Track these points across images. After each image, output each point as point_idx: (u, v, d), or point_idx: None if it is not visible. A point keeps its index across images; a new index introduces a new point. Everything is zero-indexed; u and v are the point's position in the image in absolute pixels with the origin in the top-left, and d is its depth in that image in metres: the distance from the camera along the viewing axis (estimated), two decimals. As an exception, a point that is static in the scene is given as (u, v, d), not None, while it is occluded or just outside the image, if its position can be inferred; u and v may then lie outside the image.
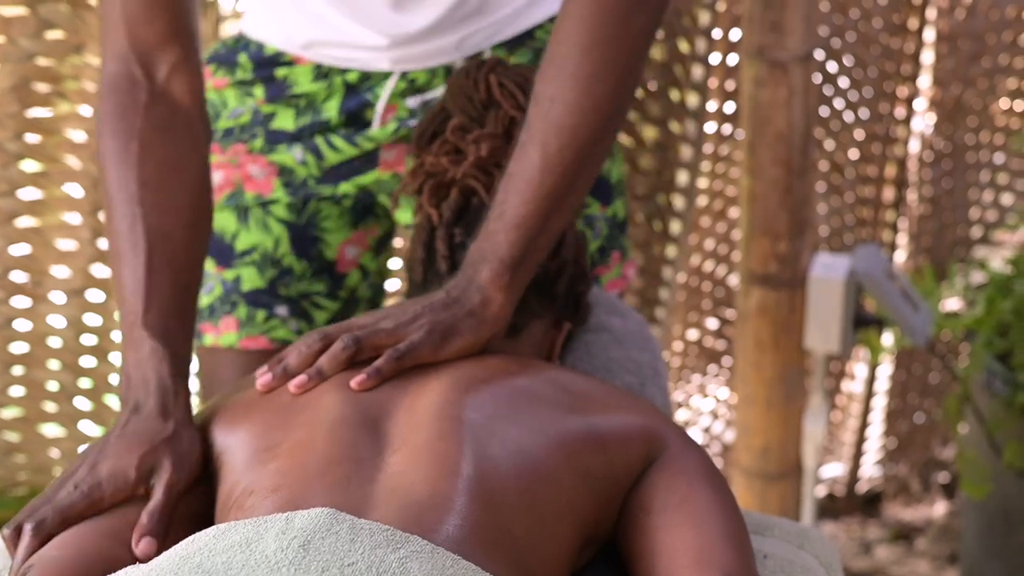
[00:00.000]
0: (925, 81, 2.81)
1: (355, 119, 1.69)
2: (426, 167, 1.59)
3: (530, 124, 1.44)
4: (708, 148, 2.55)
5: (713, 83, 2.43)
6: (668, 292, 2.40)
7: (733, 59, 2.44)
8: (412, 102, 1.68)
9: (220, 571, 1.01)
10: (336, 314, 1.75)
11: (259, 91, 1.70)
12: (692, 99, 2.25)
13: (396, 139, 1.70)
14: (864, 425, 3.10)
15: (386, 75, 1.67)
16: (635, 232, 2.32)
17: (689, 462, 1.32)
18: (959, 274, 2.77)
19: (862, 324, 2.40)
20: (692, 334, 2.81)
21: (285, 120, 1.70)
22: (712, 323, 2.82)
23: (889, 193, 2.86)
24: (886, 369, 3.05)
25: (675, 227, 2.34)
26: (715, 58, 2.36)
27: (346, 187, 1.71)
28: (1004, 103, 2.91)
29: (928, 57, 2.78)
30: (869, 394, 3.06)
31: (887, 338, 2.71)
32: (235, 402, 1.37)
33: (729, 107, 2.54)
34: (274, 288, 1.71)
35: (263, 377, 1.36)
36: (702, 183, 2.53)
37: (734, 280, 2.72)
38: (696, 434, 2.95)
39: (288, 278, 1.71)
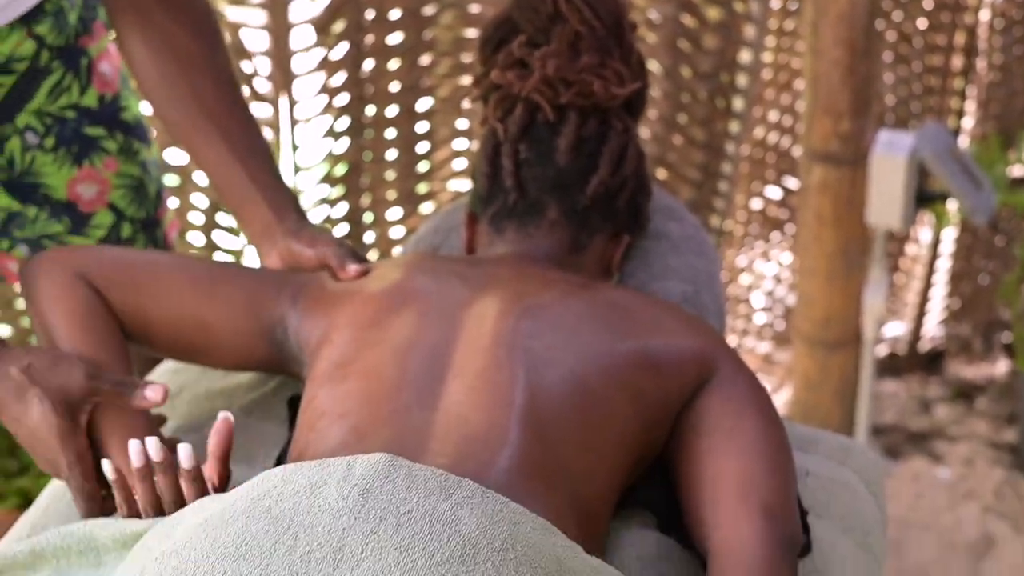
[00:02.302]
0: (998, -51, 2.77)
1: None
2: (491, 79, 1.61)
3: None
4: (773, 24, 2.54)
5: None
6: (730, 166, 2.42)
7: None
8: None
9: (287, 517, 1.07)
10: None
11: None
12: (758, -22, 2.25)
13: None
14: (928, 286, 3.12)
15: None
16: (697, 108, 2.33)
17: (739, 387, 1.37)
18: (1027, 142, 2.77)
19: (925, 200, 2.41)
20: (756, 203, 2.83)
21: None
22: (775, 192, 2.83)
23: (957, 61, 2.84)
24: (951, 232, 3.06)
25: (738, 104, 2.35)
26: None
27: None
28: (1079, -32, 2.87)
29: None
30: (933, 256, 3.07)
31: (952, 205, 2.71)
32: (325, 293, 1.45)
33: (796, -17, 2.53)
34: None
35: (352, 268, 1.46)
36: (767, 58, 2.53)
37: (798, 151, 2.73)
38: (759, 297, 2.99)
39: None
